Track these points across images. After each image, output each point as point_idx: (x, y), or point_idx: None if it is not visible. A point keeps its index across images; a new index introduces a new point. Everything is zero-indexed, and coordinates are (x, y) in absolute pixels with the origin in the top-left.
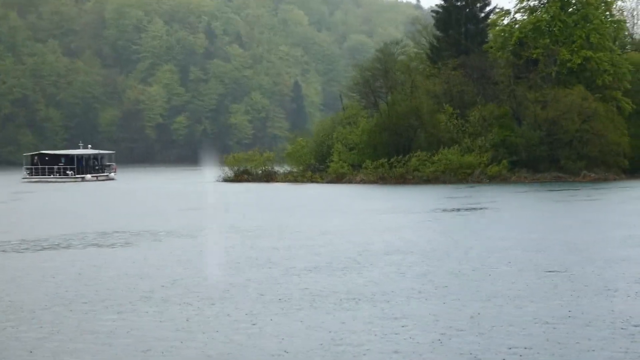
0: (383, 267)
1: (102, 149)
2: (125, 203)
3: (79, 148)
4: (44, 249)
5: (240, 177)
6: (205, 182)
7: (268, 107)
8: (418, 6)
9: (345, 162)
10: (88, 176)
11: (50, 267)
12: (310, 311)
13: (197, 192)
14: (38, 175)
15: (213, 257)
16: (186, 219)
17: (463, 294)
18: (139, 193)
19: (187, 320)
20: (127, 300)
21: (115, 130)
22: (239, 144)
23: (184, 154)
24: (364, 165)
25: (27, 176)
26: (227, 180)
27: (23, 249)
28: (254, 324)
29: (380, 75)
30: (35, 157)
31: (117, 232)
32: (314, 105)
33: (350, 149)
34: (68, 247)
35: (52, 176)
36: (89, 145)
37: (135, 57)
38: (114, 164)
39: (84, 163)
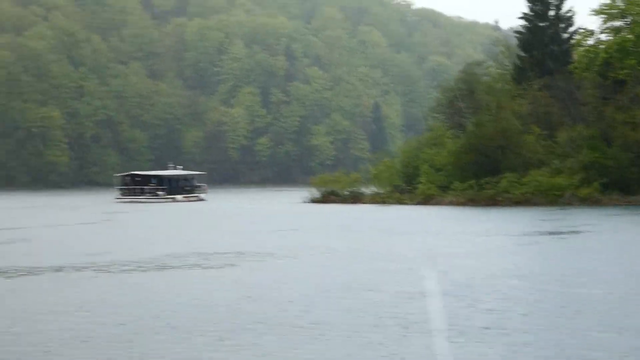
0: (500, 292)
1: (187, 170)
2: (219, 224)
3: (169, 169)
4: (152, 269)
5: (327, 198)
6: (292, 202)
7: (349, 128)
8: (497, 27)
9: (433, 184)
10: (179, 197)
11: (164, 290)
12: (445, 343)
13: (287, 213)
14: (130, 195)
15: (322, 279)
16: (283, 240)
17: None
18: (231, 214)
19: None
20: (258, 326)
21: (198, 151)
22: (322, 165)
23: (267, 175)
24: (452, 187)
25: (120, 196)
26: (314, 201)
27: (138, 269)
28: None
29: (465, 96)
30: (127, 178)
31: (217, 253)
32: (394, 127)
33: (438, 170)
34: (175, 267)
35: (143, 196)
36: (180, 166)
37: (217, 79)
38: (204, 184)
39: (174, 184)
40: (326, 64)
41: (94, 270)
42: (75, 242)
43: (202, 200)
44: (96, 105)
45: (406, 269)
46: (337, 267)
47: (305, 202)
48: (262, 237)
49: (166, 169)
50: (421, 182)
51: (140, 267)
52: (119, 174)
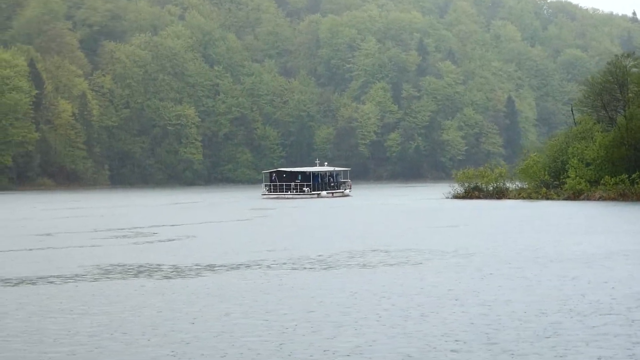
0: None
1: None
2: (374, 219)
3: (316, 165)
4: (325, 267)
5: (470, 193)
6: (435, 198)
7: (481, 122)
8: (634, 19)
9: (582, 178)
10: (324, 193)
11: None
12: None
13: (437, 209)
14: (276, 191)
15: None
16: (447, 238)
17: None
18: (380, 209)
19: None
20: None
21: (330, 147)
22: (452, 160)
23: (397, 171)
24: (602, 182)
25: (266, 192)
26: (457, 197)
27: (306, 267)
28: None
29: (613, 89)
30: (274, 174)
31: (379, 250)
32: (528, 121)
33: (587, 165)
34: (368, 265)
35: (289, 193)
36: (325, 163)
37: (349, 75)
38: (349, 180)
39: (319, 180)
40: (459, 59)
41: (290, 266)
42: (238, 239)
43: (347, 196)
44: (230, 103)
45: (586, 274)
46: (535, 271)
47: (447, 197)
48: (422, 234)
49: (312, 165)
50: (569, 177)
51: (334, 263)
52: (266, 171)
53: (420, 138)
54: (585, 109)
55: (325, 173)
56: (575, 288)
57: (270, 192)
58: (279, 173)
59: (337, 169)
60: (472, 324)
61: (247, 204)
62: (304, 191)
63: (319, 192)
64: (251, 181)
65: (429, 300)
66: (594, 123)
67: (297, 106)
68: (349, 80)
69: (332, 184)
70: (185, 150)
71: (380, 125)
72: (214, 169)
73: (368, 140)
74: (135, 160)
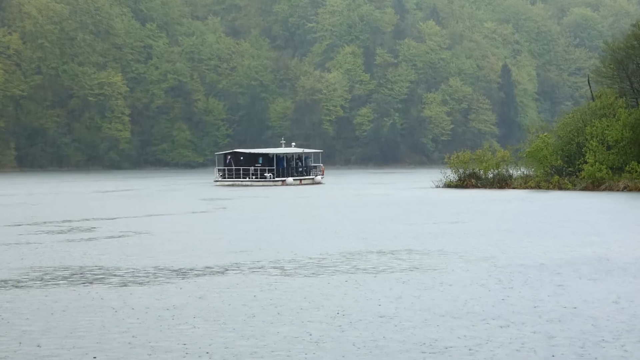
0: None
1: (272, 147)
2: (356, 214)
3: (280, 146)
4: (319, 272)
5: (466, 181)
6: (424, 187)
7: (470, 96)
8: None
9: (603, 164)
10: (289, 179)
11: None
12: None
13: (430, 201)
14: (232, 177)
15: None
16: (456, 238)
17: None
18: (361, 201)
19: None
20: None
21: (287, 125)
22: (435, 142)
23: (368, 154)
24: (627, 168)
25: (220, 179)
26: (450, 185)
27: (298, 272)
28: None
29: (638, 56)
30: (229, 157)
31: (380, 252)
32: (526, 94)
33: (609, 148)
34: (385, 270)
35: (247, 179)
36: (293, 143)
37: (311, 37)
38: (321, 165)
39: (285, 164)
40: (444, 18)
41: (266, 272)
42: (198, 237)
43: (318, 183)
44: (165, 69)
45: None
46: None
47: (438, 186)
48: (437, 232)
49: (273, 145)
50: (587, 163)
51: (333, 267)
52: (220, 152)
53: (396, 114)
54: (605, 79)
55: (292, 156)
56: None
57: (225, 177)
58: (236, 155)
59: (306, 150)
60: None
61: (197, 192)
62: (265, 177)
63: (284, 178)
64: (190, 165)
65: (478, 323)
66: (616, 97)
67: (247, 74)
68: (311, 43)
69: (300, 169)
70: (109, 126)
71: (348, 98)
72: (144, 150)
73: (334, 117)
74: (48, 138)
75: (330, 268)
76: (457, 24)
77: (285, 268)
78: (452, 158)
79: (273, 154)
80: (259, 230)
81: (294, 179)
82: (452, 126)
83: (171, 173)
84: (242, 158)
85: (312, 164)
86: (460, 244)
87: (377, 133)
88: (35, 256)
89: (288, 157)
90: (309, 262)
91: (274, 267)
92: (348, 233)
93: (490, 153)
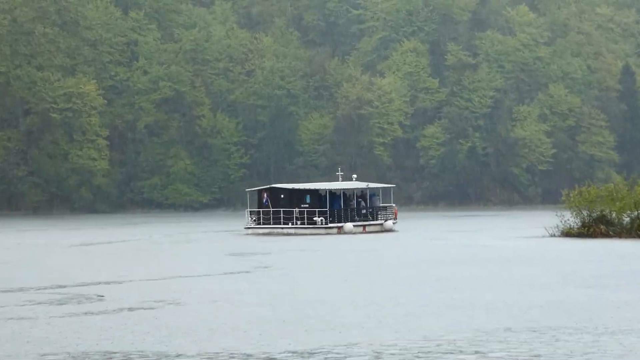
0: None
1: (306, 181)
2: (478, 272)
3: (338, 180)
4: None
5: (593, 229)
6: (534, 236)
7: (579, 109)
8: None
9: None
10: (349, 225)
11: None
12: None
13: (568, 255)
14: (269, 222)
15: None
16: None
17: None
18: (465, 256)
19: None
20: None
21: (323, 150)
22: (530, 172)
23: (439, 189)
24: None
25: (252, 225)
26: (570, 233)
27: None
28: None
29: None
30: (265, 194)
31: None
32: None
33: None
34: None
35: (290, 225)
36: (353, 176)
37: (357, 29)
38: (393, 205)
39: (342, 203)
40: (542, 2)
41: None
42: (253, 310)
43: (390, 230)
44: (156, 74)
45: None
46: None
47: (554, 234)
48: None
49: (324, 178)
50: None
51: None
52: (252, 189)
53: (477, 135)
54: None
55: (353, 193)
56: None
57: (260, 223)
58: (274, 192)
59: (371, 185)
60: None
61: (222, 243)
62: (315, 222)
63: (340, 224)
64: (192, 206)
65: None
66: None
67: (269, 80)
68: (357, 37)
69: (364, 211)
70: (79, 153)
71: (409, 113)
72: (127, 186)
73: (389, 138)
74: None
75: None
76: (559, 10)
77: None
78: (572, 195)
79: (325, 191)
80: (335, 302)
81: (354, 225)
82: (553, 151)
83: (169, 217)
84: (282, 196)
85: (380, 204)
86: None
87: (451, 161)
88: (38, 340)
89: (347, 195)
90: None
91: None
92: (484, 304)
93: (626, 189)
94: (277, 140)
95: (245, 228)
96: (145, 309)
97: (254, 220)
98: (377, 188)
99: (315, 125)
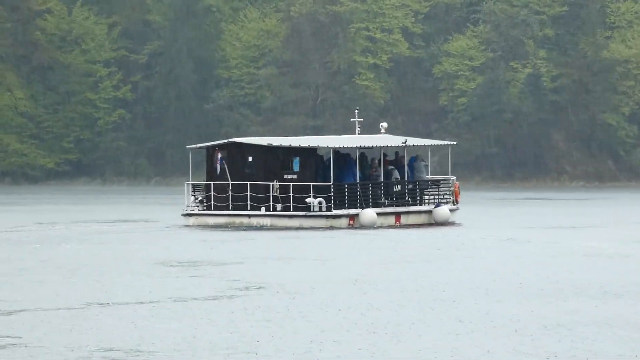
0: None
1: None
2: None
3: (355, 130)
4: None
5: None
6: None
7: None
8: None
9: None
10: (369, 213)
11: None
12: None
13: None
14: (225, 206)
15: None
16: None
17: None
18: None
19: None
20: None
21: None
22: (633, 122)
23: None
24: None
25: (197, 208)
26: None
27: None
28: None
29: None
30: (219, 155)
31: None
32: None
33: None
34: None
35: (262, 210)
36: (382, 125)
37: None
38: (452, 178)
39: (357, 172)
40: None
41: None
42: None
43: (445, 223)
44: None
45: None
46: None
47: None
48: None
49: (281, 129)
50: None
51: None
52: (197, 145)
53: (542, 53)
54: None
55: (380, 153)
56: None
57: (211, 207)
58: (236, 151)
59: (412, 140)
60: None
61: (141, 242)
62: (307, 206)
63: (354, 209)
64: (28, 174)
65: None
66: None
67: None
68: None
69: (399, 187)
70: None
71: (422, 11)
72: None
73: (385, 58)
74: None
75: None
76: None
77: None
78: None
79: (329, 150)
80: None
81: (379, 213)
82: None
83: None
84: (250, 159)
85: (428, 175)
86: None
87: (493, 100)
88: None
89: (366, 158)
90: None
91: None
92: None
93: None
94: (182, 58)
95: (184, 215)
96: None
97: (200, 202)
98: (423, 147)
99: (251, 31)
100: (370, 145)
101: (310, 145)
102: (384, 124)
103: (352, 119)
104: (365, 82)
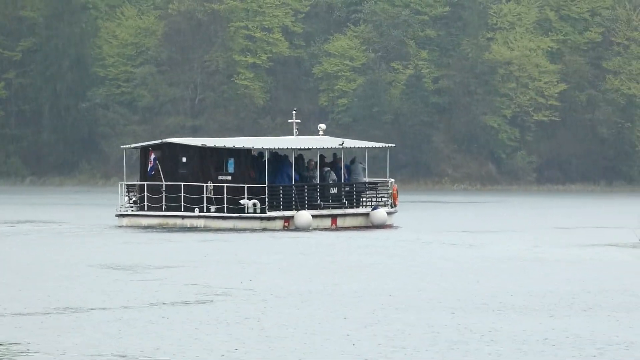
0: None
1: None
2: None
3: (292, 131)
4: None
5: None
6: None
7: None
8: None
9: None
10: (303, 215)
11: None
12: None
13: None
14: (158, 207)
15: None
16: None
17: None
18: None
19: None
20: None
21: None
22: (513, 124)
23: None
24: None
25: (131, 209)
26: None
27: None
28: None
29: None
30: (152, 156)
31: None
32: None
33: None
34: None
35: (196, 212)
36: (320, 126)
37: None
38: (389, 180)
39: (292, 174)
40: None
41: None
42: None
43: (382, 226)
44: None
45: None
46: None
47: None
48: None
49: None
50: None
51: None
52: (131, 145)
53: (424, 54)
54: None
55: (316, 156)
56: None
57: (143, 208)
58: (170, 151)
59: (350, 142)
60: None
61: (76, 245)
62: (241, 207)
63: (289, 211)
64: None
65: None
66: None
67: None
68: None
69: (335, 189)
70: None
71: (303, 10)
72: None
73: (264, 57)
74: None
75: None
76: None
77: None
78: None
79: (264, 152)
80: None
81: (315, 215)
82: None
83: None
84: (184, 159)
85: (366, 178)
86: None
87: (373, 99)
88: None
89: (303, 160)
90: None
91: None
92: None
93: None
94: (58, 55)
95: (118, 216)
96: None
97: (134, 202)
98: (360, 149)
99: (129, 29)
100: (307, 147)
101: (245, 147)
102: (322, 126)
103: (289, 120)
104: (245, 82)
